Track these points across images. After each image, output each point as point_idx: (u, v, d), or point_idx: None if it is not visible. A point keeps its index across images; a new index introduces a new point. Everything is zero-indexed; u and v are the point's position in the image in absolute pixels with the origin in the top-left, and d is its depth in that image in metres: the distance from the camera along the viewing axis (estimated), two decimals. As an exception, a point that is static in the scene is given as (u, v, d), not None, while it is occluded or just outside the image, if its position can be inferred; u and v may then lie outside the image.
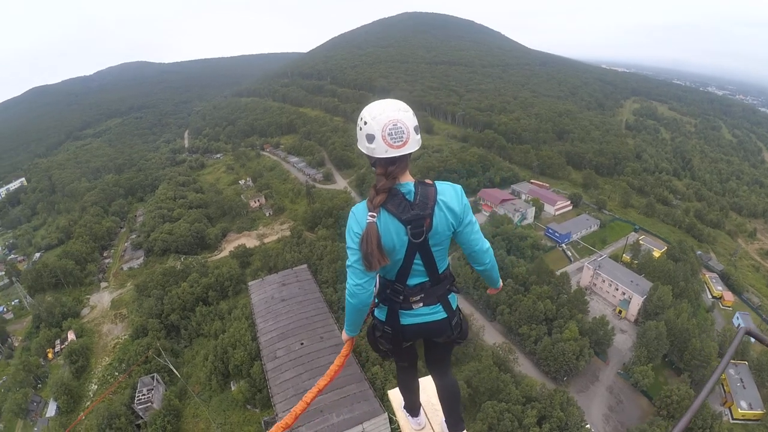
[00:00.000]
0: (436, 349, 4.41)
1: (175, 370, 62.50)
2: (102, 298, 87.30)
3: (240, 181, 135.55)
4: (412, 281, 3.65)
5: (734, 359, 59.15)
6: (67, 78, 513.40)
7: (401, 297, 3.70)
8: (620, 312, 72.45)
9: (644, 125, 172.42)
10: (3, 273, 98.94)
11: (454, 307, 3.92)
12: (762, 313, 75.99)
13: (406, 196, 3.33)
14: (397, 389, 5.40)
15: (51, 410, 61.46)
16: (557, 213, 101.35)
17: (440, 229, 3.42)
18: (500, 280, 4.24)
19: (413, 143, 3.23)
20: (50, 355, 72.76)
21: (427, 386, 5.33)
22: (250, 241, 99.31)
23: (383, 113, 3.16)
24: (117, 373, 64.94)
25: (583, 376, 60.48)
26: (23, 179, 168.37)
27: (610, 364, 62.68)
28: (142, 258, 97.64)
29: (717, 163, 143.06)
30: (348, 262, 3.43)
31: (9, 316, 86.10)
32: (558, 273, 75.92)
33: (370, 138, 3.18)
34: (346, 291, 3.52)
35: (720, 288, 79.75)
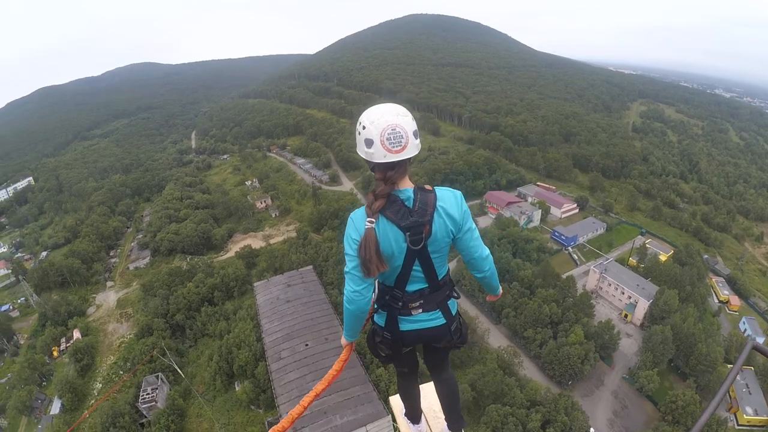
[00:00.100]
0: (436, 353, 4.40)
1: (179, 370, 62.59)
2: (108, 297, 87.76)
3: (246, 182, 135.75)
4: (411, 287, 3.61)
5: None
6: (75, 78, 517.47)
7: (400, 303, 3.67)
8: (626, 316, 72.08)
9: (651, 128, 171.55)
10: (10, 271, 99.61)
11: (454, 313, 3.88)
12: (769, 318, 75.35)
13: (405, 203, 3.29)
14: (398, 396, 5.37)
15: (55, 408, 61.83)
16: (563, 216, 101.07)
17: (439, 235, 3.37)
18: (500, 287, 4.20)
19: (412, 148, 3.19)
20: (55, 353, 73.22)
21: (429, 393, 5.28)
22: (255, 242, 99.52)
23: (382, 118, 3.12)
24: (122, 372, 65.24)
25: (588, 380, 60.20)
26: (30, 178, 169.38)
27: (616, 369, 62.34)
28: (149, 258, 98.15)
29: (724, 166, 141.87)
30: (346, 269, 3.39)
31: (15, 314, 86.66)
32: (564, 276, 75.55)
33: (369, 143, 3.15)
34: (344, 297, 3.48)
35: (726, 292, 79.16)
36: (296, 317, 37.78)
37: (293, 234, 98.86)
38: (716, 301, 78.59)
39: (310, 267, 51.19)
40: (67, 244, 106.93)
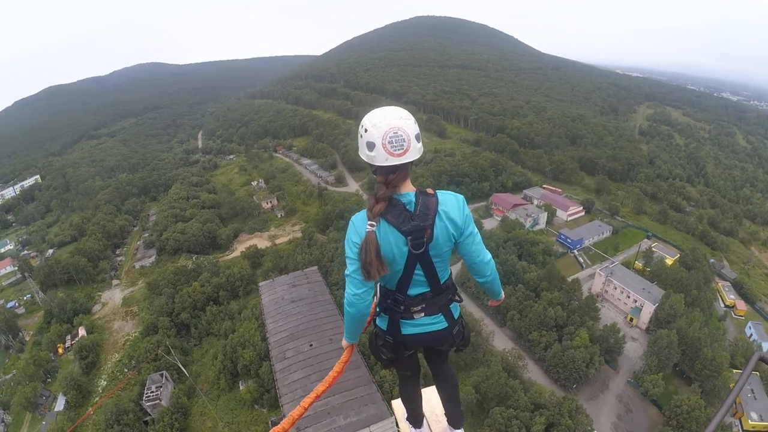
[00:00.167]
0: (438, 354, 4.40)
1: (183, 369, 62.73)
2: (113, 296, 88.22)
3: (252, 183, 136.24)
4: (413, 291, 3.59)
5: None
6: (83, 78, 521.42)
7: (402, 307, 3.65)
8: (631, 320, 71.70)
9: (658, 131, 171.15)
10: (16, 268, 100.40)
11: (456, 317, 3.85)
12: (775, 323, 74.76)
13: (407, 207, 3.27)
14: (400, 400, 5.35)
15: (60, 404, 62.27)
16: (569, 219, 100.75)
17: (441, 240, 3.35)
18: (502, 292, 4.17)
19: (414, 151, 3.16)
20: (60, 351, 73.70)
21: (431, 397, 5.27)
22: (261, 242, 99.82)
23: (384, 121, 3.10)
24: (126, 370, 65.55)
25: (593, 384, 59.88)
26: (38, 176, 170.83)
27: (620, 373, 61.96)
28: (154, 257, 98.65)
29: (731, 169, 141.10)
30: (347, 272, 3.38)
31: (21, 310, 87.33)
32: (569, 279, 75.39)
33: (371, 146, 3.13)
34: (345, 300, 3.48)
35: (733, 297, 78.65)
36: (301, 317, 37.83)
37: (299, 234, 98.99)
38: (722, 305, 78.04)
39: (315, 267, 51.28)
40: (74, 242, 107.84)
